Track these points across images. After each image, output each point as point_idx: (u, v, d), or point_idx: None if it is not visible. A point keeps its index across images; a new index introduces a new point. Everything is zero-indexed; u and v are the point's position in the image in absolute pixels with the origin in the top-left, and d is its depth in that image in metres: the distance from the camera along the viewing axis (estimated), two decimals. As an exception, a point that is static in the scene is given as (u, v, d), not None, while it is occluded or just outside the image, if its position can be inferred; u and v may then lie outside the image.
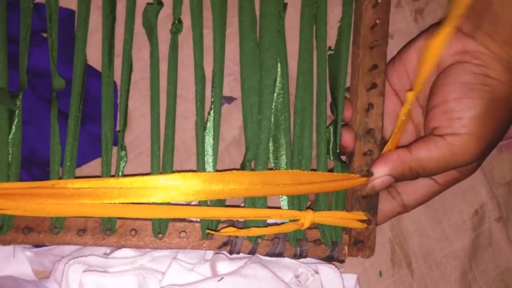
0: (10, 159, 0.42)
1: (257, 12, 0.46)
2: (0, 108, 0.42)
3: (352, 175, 0.43)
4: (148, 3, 0.45)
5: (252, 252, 0.43)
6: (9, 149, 0.42)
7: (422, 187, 0.46)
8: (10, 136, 0.42)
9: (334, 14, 0.48)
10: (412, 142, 0.43)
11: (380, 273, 0.51)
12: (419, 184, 0.46)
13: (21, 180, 0.42)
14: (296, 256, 0.44)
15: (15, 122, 0.42)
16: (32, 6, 0.43)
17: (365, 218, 0.44)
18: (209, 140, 0.44)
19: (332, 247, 0.44)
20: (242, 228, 0.43)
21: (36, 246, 0.45)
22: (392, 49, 0.48)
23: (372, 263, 0.51)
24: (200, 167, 0.44)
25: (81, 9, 0.44)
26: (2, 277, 0.45)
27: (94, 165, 0.46)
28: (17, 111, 0.43)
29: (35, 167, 0.43)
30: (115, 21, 0.45)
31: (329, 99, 0.46)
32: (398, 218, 0.51)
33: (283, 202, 0.44)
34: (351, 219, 0.43)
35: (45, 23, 0.44)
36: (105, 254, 0.45)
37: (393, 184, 0.44)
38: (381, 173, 0.42)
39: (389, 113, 0.46)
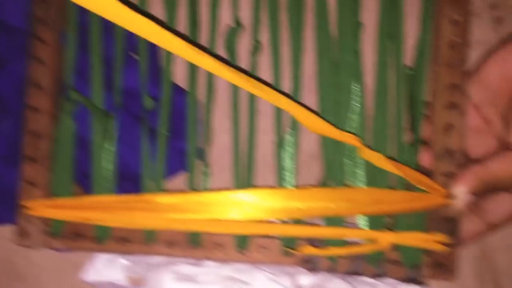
0: (106, 174, 0.47)
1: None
2: (98, 127, 0.46)
3: (434, 195, 0.43)
4: (229, 26, 0.49)
5: (331, 270, 0.45)
6: (105, 164, 0.46)
7: (508, 205, 0.46)
8: (106, 152, 0.46)
9: (411, 32, 0.48)
10: (488, 157, 0.43)
11: None
12: (505, 202, 0.46)
13: (116, 193, 0.47)
14: (375, 276, 0.45)
15: (110, 139, 0.47)
16: (125, 31, 0.47)
17: (446, 240, 0.44)
18: (287, 156, 0.46)
19: (412, 269, 0.44)
20: (321, 246, 0.44)
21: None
22: (471, 60, 0.48)
23: (458, 282, 0.50)
24: (279, 183, 0.47)
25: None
26: (101, 282, 0.50)
27: (181, 178, 0.50)
28: (112, 129, 0.46)
29: (127, 181, 0.47)
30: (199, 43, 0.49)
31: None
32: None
33: (361, 221, 0.45)
34: (432, 241, 0.44)
35: (134, 43, 0.48)
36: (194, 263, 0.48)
37: (477, 203, 0.45)
38: (461, 193, 0.42)
39: (468, 128, 0.46)
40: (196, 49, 0.36)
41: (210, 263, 0.49)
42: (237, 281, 0.48)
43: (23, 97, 0.47)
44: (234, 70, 0.38)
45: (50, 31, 0.47)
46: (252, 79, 0.40)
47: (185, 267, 0.48)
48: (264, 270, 0.48)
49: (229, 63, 0.48)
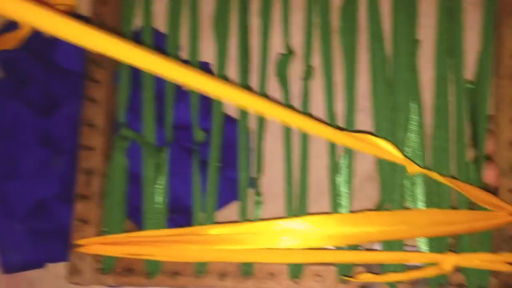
0: (158, 208, 0.46)
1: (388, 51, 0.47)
2: (150, 162, 0.46)
3: (497, 213, 0.41)
4: (281, 53, 0.47)
5: (391, 296, 0.42)
6: (157, 198, 0.46)
7: None
8: (158, 186, 0.46)
9: (470, 46, 0.46)
10: None
11: None
12: None
13: (167, 228, 0.46)
14: (438, 302, 0.42)
15: (161, 173, 0.46)
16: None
17: None
18: (342, 181, 0.44)
19: None
20: (379, 272, 0.42)
21: None
22: None
23: None
24: (334, 210, 0.46)
25: (220, 61, 0.48)
26: None
27: (233, 207, 0.49)
28: (164, 163, 0.46)
29: (178, 214, 0.47)
30: (249, 72, 0.49)
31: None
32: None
33: (422, 243, 0.43)
34: (499, 261, 0.41)
35: None
36: None
37: None
38: None
39: None
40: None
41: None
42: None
43: (77, 136, 0.48)
44: (285, 108, 0.39)
45: (103, 70, 0.49)
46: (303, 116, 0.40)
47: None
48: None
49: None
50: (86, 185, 0.47)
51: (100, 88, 0.49)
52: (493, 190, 0.44)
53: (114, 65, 0.50)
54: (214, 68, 0.50)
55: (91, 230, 0.47)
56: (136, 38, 0.50)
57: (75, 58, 0.51)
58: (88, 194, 0.47)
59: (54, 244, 0.50)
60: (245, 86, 0.48)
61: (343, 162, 0.46)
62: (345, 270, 0.44)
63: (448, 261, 0.42)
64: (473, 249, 0.43)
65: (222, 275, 0.45)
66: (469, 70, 0.47)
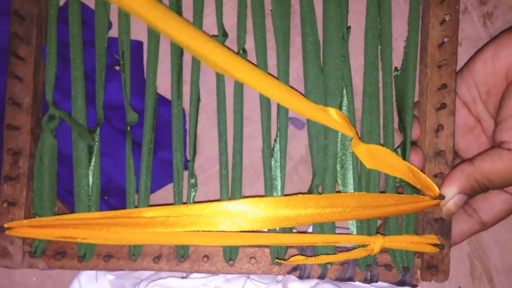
0: (90, 191, 0.46)
1: (320, 36, 0.48)
2: (81, 143, 0.45)
3: (422, 197, 0.43)
4: (213, 35, 0.47)
5: (321, 277, 0.45)
6: (89, 180, 0.45)
7: (499, 203, 0.47)
8: (90, 168, 0.45)
9: (396, 34, 0.48)
10: (477, 155, 0.42)
11: None
12: (496, 200, 0.47)
13: (100, 210, 0.45)
14: (366, 281, 0.45)
15: (94, 155, 0.45)
16: (106, 44, 0.46)
17: (437, 242, 0.44)
18: (275, 165, 0.45)
19: (403, 272, 0.45)
20: (312, 254, 0.44)
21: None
22: (461, 57, 0.49)
23: (451, 279, 0.52)
24: (268, 193, 0.46)
25: (151, 41, 0.47)
26: None
27: (168, 189, 0.50)
28: (95, 144, 0.45)
29: (111, 196, 0.47)
30: (183, 52, 0.49)
31: (396, 120, 0.47)
32: (476, 232, 0.51)
33: (352, 226, 0.45)
34: (423, 243, 0.44)
35: (116, 56, 0.48)
36: (182, 276, 0.48)
37: (468, 202, 0.46)
38: (451, 193, 0.43)
39: (459, 127, 0.46)
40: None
41: (198, 275, 0.48)
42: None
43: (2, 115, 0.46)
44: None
45: (28, 47, 0.47)
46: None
47: (173, 280, 0.48)
48: (254, 280, 0.47)
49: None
50: (13, 166, 0.46)
51: (25, 65, 0.47)
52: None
53: (40, 42, 0.48)
54: (148, 48, 0.48)
55: (19, 212, 0.46)
56: (62, 13, 0.48)
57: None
58: (15, 175, 0.46)
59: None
60: (178, 66, 0.48)
61: (277, 144, 0.47)
62: (279, 252, 0.46)
63: (376, 243, 0.44)
64: (399, 232, 0.46)
65: (157, 257, 0.46)
66: (397, 58, 0.48)
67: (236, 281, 0.48)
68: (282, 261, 0.45)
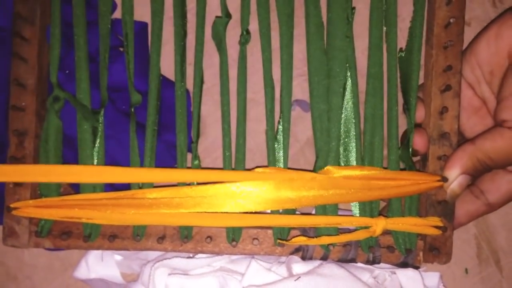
0: (95, 171, 0.46)
1: (324, 18, 0.48)
2: (85, 125, 0.46)
3: (425, 177, 0.43)
4: (216, 16, 0.47)
5: (324, 258, 0.45)
6: (94, 162, 0.46)
7: (506, 184, 0.47)
8: (95, 150, 0.46)
9: (404, 14, 0.47)
10: (478, 134, 0.42)
11: (466, 270, 0.53)
12: (503, 181, 0.47)
13: (105, 191, 0.46)
14: (369, 262, 0.46)
15: (98, 136, 0.46)
16: (109, 26, 0.47)
17: (440, 224, 0.44)
18: (279, 147, 0.45)
19: (406, 254, 0.45)
20: (314, 236, 0.44)
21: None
22: (469, 37, 0.49)
23: (457, 260, 0.53)
24: None
25: (154, 22, 0.47)
26: (93, 279, 0.51)
27: None
28: (99, 126, 0.46)
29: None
30: (186, 34, 0.49)
31: (400, 102, 0.48)
32: (483, 213, 0.52)
33: (355, 208, 0.45)
34: (425, 225, 0.44)
35: (120, 37, 0.49)
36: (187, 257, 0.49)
37: (475, 183, 0.46)
38: (454, 174, 0.43)
39: (464, 108, 0.46)
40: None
41: (203, 255, 0.49)
42: (231, 272, 0.48)
43: (7, 96, 0.47)
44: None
45: (33, 27, 0.47)
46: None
47: (179, 261, 0.48)
48: (258, 260, 0.48)
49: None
50: (19, 147, 0.47)
51: (30, 46, 0.47)
52: (422, 157, 0.47)
53: (44, 22, 0.48)
54: (151, 30, 0.48)
55: (25, 193, 0.46)
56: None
57: (2, 13, 0.49)
58: (21, 156, 0.46)
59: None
60: (181, 48, 0.48)
61: (280, 126, 0.47)
62: (282, 234, 0.46)
63: (378, 225, 0.44)
64: (402, 214, 0.46)
65: (161, 238, 0.46)
66: (401, 40, 0.48)
67: (241, 262, 0.48)
68: (285, 242, 0.45)
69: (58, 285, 0.53)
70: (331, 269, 0.46)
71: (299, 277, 0.46)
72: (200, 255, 0.49)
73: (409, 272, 0.48)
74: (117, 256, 0.51)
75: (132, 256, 0.51)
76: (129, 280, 0.52)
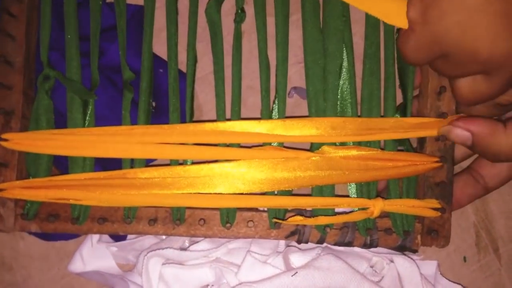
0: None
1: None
2: (75, 103, 0.45)
3: (423, 159, 0.43)
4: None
5: (320, 241, 0.44)
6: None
7: (506, 169, 0.46)
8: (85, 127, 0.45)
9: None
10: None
11: (465, 258, 0.52)
12: (504, 167, 0.46)
13: (94, 171, 0.45)
14: (366, 246, 0.44)
15: (88, 114, 0.45)
16: (101, 3, 0.46)
17: (438, 206, 0.44)
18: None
19: (404, 237, 0.44)
20: (310, 217, 0.43)
21: (118, 239, 0.50)
22: None
23: (456, 248, 0.52)
24: None
25: (147, 5, 0.46)
26: (89, 272, 0.50)
27: None
28: (90, 103, 0.45)
29: (108, 159, 0.46)
30: (177, 14, 0.48)
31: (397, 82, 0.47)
32: (483, 201, 0.52)
33: (352, 190, 0.45)
34: (423, 207, 0.44)
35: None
36: (182, 248, 0.49)
37: (475, 168, 0.46)
38: (464, 127, 0.42)
39: None
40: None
41: (200, 245, 0.48)
42: (227, 263, 0.47)
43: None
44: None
45: (21, 4, 0.46)
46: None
47: (174, 252, 0.47)
48: (255, 252, 0.47)
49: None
50: (5, 127, 0.45)
51: (18, 24, 0.46)
52: (419, 139, 0.46)
53: (33, 0, 0.47)
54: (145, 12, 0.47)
55: (11, 174, 0.45)
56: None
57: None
58: (7, 136, 0.45)
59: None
60: (173, 29, 0.47)
61: (275, 113, 0.46)
62: (277, 215, 0.45)
63: (376, 206, 0.44)
64: (400, 195, 0.46)
65: (152, 220, 0.45)
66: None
67: (237, 253, 0.47)
68: (281, 221, 0.45)
69: (54, 275, 0.52)
70: (329, 261, 0.46)
71: (296, 272, 0.45)
72: (196, 247, 0.48)
73: (406, 261, 0.47)
74: (113, 248, 0.50)
75: (127, 247, 0.49)
76: (125, 270, 0.51)
